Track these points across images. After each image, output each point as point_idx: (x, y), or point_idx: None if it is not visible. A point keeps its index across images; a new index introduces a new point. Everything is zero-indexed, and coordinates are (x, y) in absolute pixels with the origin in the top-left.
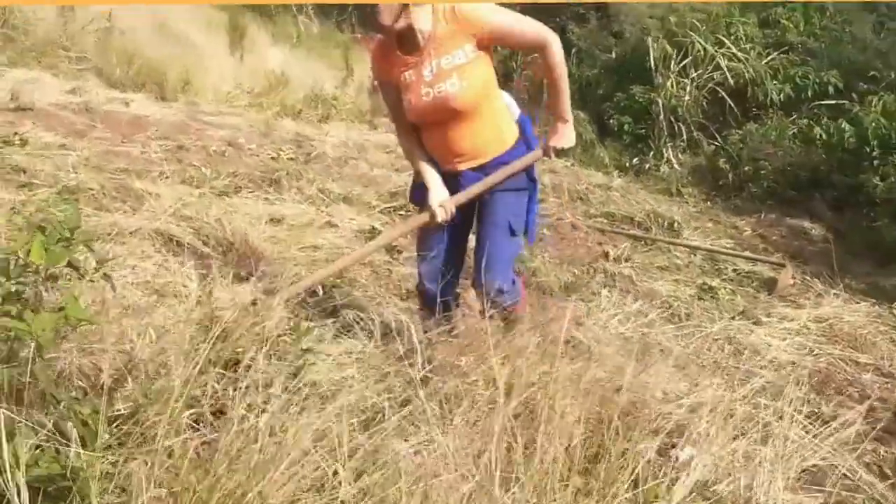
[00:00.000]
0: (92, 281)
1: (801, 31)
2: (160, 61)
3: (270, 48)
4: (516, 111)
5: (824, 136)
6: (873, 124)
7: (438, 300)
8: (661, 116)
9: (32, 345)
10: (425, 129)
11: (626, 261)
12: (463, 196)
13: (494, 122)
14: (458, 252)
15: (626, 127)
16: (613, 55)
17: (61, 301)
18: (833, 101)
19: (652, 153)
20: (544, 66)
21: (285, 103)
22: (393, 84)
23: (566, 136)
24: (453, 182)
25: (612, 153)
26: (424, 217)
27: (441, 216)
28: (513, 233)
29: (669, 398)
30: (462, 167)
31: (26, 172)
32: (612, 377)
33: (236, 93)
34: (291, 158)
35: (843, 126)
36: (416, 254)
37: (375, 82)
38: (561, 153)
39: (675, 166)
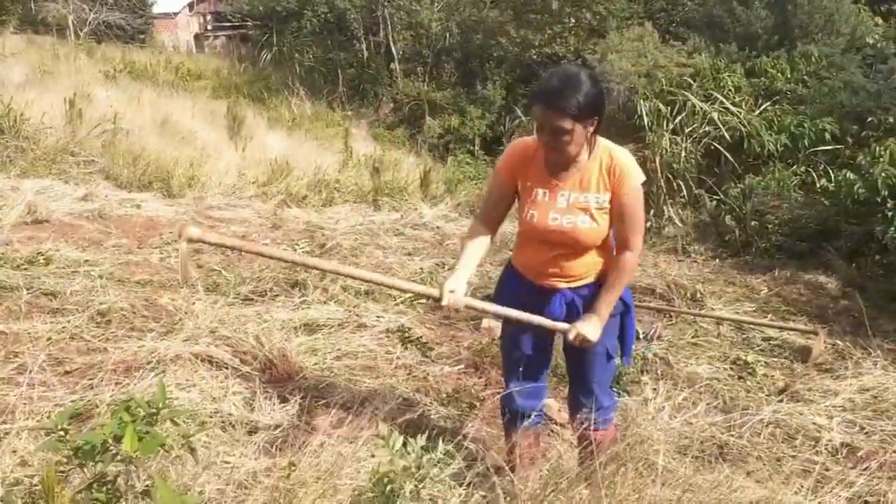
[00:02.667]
0: (178, 455)
1: (789, 79)
2: (165, 158)
3: (268, 133)
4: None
5: (830, 187)
6: (883, 174)
7: (525, 415)
8: (659, 174)
9: None
10: (535, 244)
11: (658, 338)
12: (481, 307)
13: (602, 253)
14: (546, 367)
15: None
16: None
17: (150, 482)
18: (830, 147)
19: (653, 211)
20: (616, 264)
21: (290, 191)
22: (513, 185)
23: (593, 329)
24: (545, 296)
25: None
26: (434, 293)
27: (447, 301)
28: (609, 357)
29: None
30: (562, 285)
31: (56, 297)
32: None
33: (241, 184)
34: (307, 252)
35: (848, 176)
36: (504, 372)
37: (498, 170)
38: (581, 342)
39: (678, 223)
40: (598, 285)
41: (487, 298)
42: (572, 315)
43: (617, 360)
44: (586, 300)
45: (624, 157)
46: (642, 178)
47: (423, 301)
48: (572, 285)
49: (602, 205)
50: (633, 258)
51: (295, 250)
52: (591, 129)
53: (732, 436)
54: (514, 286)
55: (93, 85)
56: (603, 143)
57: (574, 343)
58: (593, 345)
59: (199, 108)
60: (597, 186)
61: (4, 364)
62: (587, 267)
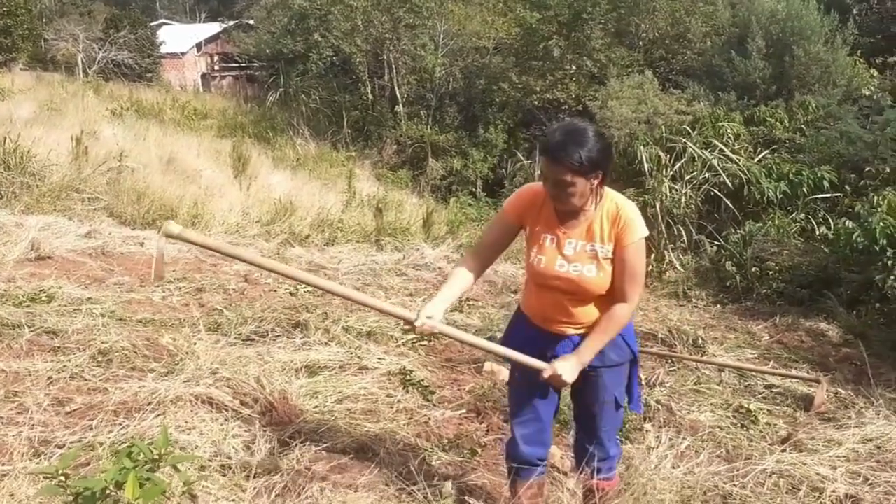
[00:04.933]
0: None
1: (787, 128)
2: (170, 196)
3: (273, 172)
4: None
5: (829, 235)
6: (881, 224)
7: (530, 464)
8: (659, 219)
9: None
10: (541, 290)
11: (660, 385)
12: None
13: (609, 302)
14: (552, 414)
15: None
16: None
17: None
18: (829, 195)
19: (654, 256)
20: (609, 312)
21: (293, 230)
22: (517, 226)
23: (572, 371)
24: (554, 341)
25: None
26: (409, 315)
27: (420, 324)
28: (618, 406)
29: None
30: (570, 331)
31: (58, 335)
32: None
33: (244, 222)
34: (309, 292)
35: (847, 224)
36: (510, 418)
37: (504, 209)
38: (556, 382)
39: (679, 268)
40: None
41: (490, 340)
42: (587, 374)
43: (624, 409)
44: (608, 345)
45: (630, 209)
46: (645, 232)
47: (425, 342)
48: (580, 332)
49: (607, 255)
50: (627, 310)
51: (297, 290)
52: (596, 182)
53: (736, 486)
54: (523, 330)
55: (100, 122)
56: (610, 194)
57: (548, 382)
58: (566, 385)
59: (205, 146)
60: (602, 237)
61: (4, 403)
62: (593, 315)
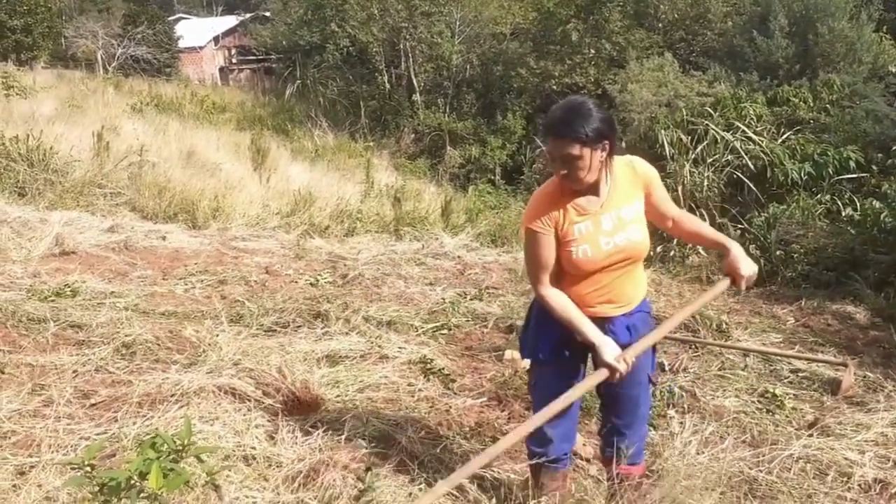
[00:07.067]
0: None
1: (811, 108)
2: (190, 190)
3: (291, 164)
4: None
5: (855, 216)
6: None
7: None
8: (682, 203)
9: None
10: (588, 278)
11: (684, 371)
12: (639, 347)
13: (643, 271)
14: (579, 408)
15: None
16: (624, 144)
17: None
18: (855, 176)
19: (676, 241)
20: (678, 227)
21: (312, 221)
22: (554, 235)
23: (749, 261)
24: (601, 325)
25: None
26: (604, 374)
27: (624, 369)
28: (651, 383)
29: None
30: (615, 313)
31: (82, 329)
32: None
33: (264, 215)
34: (330, 282)
35: (874, 205)
36: (544, 417)
37: (532, 229)
38: (751, 279)
39: (702, 252)
40: (645, 310)
41: (510, 328)
42: (634, 339)
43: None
44: (640, 322)
45: (637, 161)
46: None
47: (445, 331)
48: (625, 310)
49: (642, 209)
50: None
51: (317, 281)
52: (604, 153)
53: (761, 471)
54: (558, 327)
55: (120, 118)
56: (617, 160)
57: (750, 284)
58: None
59: (224, 140)
60: (631, 195)
61: (32, 397)
62: (636, 286)
